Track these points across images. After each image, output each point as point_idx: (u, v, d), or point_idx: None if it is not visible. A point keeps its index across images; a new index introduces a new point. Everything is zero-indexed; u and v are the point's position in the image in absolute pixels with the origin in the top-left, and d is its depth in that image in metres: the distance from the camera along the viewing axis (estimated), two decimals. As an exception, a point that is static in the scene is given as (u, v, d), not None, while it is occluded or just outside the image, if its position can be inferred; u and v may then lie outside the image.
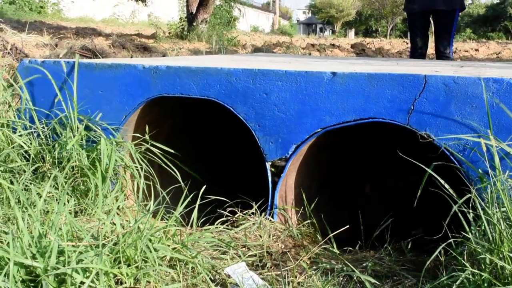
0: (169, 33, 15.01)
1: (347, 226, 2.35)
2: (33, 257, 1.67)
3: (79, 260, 1.69)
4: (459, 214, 1.85)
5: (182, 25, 15.06)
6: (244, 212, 2.52)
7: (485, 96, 2.23)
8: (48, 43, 7.44)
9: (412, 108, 2.37)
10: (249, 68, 2.61)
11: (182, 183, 2.55)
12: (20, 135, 2.63)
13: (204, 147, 3.74)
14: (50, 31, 10.12)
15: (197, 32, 14.09)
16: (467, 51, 16.89)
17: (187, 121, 3.54)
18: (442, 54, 6.15)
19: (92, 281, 1.65)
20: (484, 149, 2.08)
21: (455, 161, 2.30)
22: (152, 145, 2.66)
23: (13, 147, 2.57)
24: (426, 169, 1.95)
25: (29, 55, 6.38)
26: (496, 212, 1.77)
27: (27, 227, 1.78)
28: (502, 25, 52.15)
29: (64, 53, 5.96)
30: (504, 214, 1.78)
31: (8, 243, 1.64)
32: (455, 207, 1.85)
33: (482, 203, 1.84)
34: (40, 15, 23.84)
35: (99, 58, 4.84)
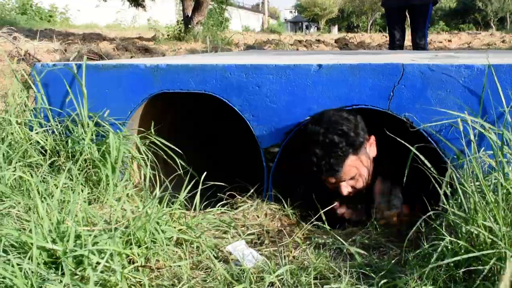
0: (168, 35, 14.93)
1: (335, 204, 2.37)
2: (53, 241, 1.68)
3: (94, 243, 1.70)
4: (438, 189, 1.86)
5: (179, 27, 14.99)
6: (242, 195, 2.53)
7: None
8: (58, 49, 7.41)
9: (392, 94, 2.38)
10: (242, 63, 2.61)
11: (181, 172, 2.55)
12: (37, 133, 2.63)
13: (204, 136, 3.74)
14: (59, 38, 10.06)
15: (193, 33, 14.04)
16: (441, 42, 16.90)
17: (188, 113, 3.54)
18: (418, 45, 6.17)
19: (107, 261, 1.66)
20: (461, 128, 2.09)
21: (433, 141, 2.31)
22: (155, 138, 2.67)
23: (31, 143, 2.57)
24: (411, 148, 1.96)
25: (41, 60, 6.36)
26: (471, 185, 1.78)
27: (47, 215, 1.78)
28: (471, 17, 52.14)
29: (73, 57, 5.94)
30: (478, 187, 1.80)
31: (31, 229, 1.64)
32: (443, 187, 1.86)
33: (459, 178, 1.85)
34: (50, 23, 23.71)
35: (105, 60, 4.83)
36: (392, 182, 2.44)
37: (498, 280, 1.53)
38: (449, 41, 17.68)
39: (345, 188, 2.40)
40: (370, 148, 2.44)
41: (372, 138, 2.44)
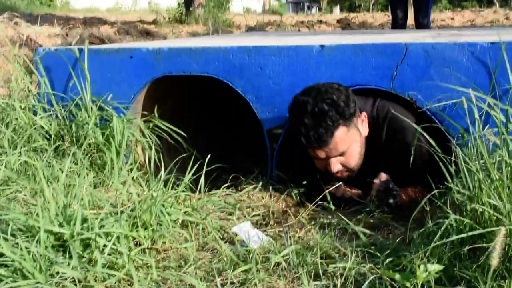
0: (169, 18, 14.84)
1: (340, 183, 2.36)
2: (60, 225, 1.69)
3: (101, 226, 1.72)
4: (443, 168, 1.86)
5: (180, 10, 14.88)
6: (246, 177, 2.54)
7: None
8: (59, 33, 7.40)
9: (395, 74, 2.38)
10: (244, 45, 2.60)
11: (185, 155, 2.56)
12: (41, 117, 2.64)
13: (207, 118, 3.75)
14: (60, 22, 10.03)
15: (194, 16, 13.95)
16: (443, 20, 16.75)
17: (190, 96, 3.54)
18: (421, 24, 6.12)
19: (114, 244, 1.68)
20: (465, 106, 2.09)
21: (436, 120, 2.31)
22: (159, 121, 2.67)
23: (35, 128, 2.58)
24: (416, 127, 1.96)
25: (43, 45, 6.34)
26: (476, 163, 1.78)
27: (53, 199, 1.80)
28: (475, -5, 51.68)
29: (75, 41, 5.92)
30: (483, 165, 1.80)
31: (38, 213, 1.66)
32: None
33: (464, 156, 1.85)
34: (50, 8, 23.56)
35: (107, 44, 4.82)
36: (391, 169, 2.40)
37: (503, 257, 1.54)
38: (452, 19, 17.51)
39: (335, 165, 2.29)
40: (362, 126, 2.36)
41: (364, 114, 2.35)
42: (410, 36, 2.99)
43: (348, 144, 2.27)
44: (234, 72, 2.60)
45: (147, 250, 1.82)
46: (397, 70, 2.38)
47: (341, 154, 2.28)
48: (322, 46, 2.47)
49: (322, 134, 2.19)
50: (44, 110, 2.72)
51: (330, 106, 2.19)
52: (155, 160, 2.52)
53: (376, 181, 2.32)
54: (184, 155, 2.57)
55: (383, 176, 2.34)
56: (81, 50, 2.74)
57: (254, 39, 3.42)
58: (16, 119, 2.61)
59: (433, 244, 1.62)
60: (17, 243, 1.58)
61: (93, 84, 2.72)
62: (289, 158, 2.62)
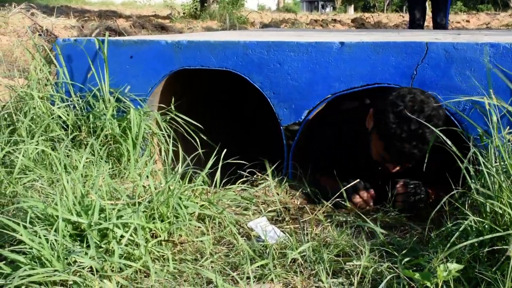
0: (184, 13, 14.85)
1: (357, 181, 2.34)
2: (78, 214, 1.70)
3: (118, 217, 1.72)
4: (463, 169, 1.84)
5: (195, 5, 14.89)
6: (262, 173, 2.53)
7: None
8: (75, 25, 7.42)
9: (415, 73, 2.36)
10: (263, 40, 2.59)
11: (200, 151, 2.55)
12: (59, 107, 2.64)
13: (224, 114, 3.74)
14: (76, 15, 10.05)
15: (209, 11, 13.96)
16: (459, 23, 16.63)
17: (207, 90, 3.53)
18: (439, 25, 6.08)
19: (131, 235, 1.68)
20: (488, 108, 2.06)
21: (456, 121, 2.29)
22: (176, 114, 2.67)
23: (53, 118, 2.59)
24: (434, 129, 1.95)
25: (59, 37, 6.37)
26: (496, 165, 1.76)
27: (71, 188, 1.80)
28: (490, -2, 51.21)
29: (95, 34, 5.95)
30: (503, 167, 1.78)
31: (56, 202, 1.66)
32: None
33: (483, 157, 1.83)
34: (66, 0, 23.66)
35: (123, 37, 4.83)
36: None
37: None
38: (467, 21, 17.38)
39: (396, 168, 2.32)
40: None
41: None
42: (429, 36, 2.96)
43: None
44: (253, 67, 2.59)
45: (163, 242, 1.82)
46: (417, 69, 2.36)
47: None
48: (342, 43, 2.46)
49: (415, 155, 2.20)
50: (62, 100, 2.73)
51: (431, 134, 2.14)
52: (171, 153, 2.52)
53: (401, 183, 2.32)
54: (201, 151, 2.55)
55: (402, 179, 2.34)
56: (101, 41, 2.74)
57: (272, 35, 3.41)
58: (34, 108, 2.61)
59: (452, 246, 1.60)
60: (36, 231, 1.59)
61: (111, 75, 2.72)
62: (319, 147, 2.63)
